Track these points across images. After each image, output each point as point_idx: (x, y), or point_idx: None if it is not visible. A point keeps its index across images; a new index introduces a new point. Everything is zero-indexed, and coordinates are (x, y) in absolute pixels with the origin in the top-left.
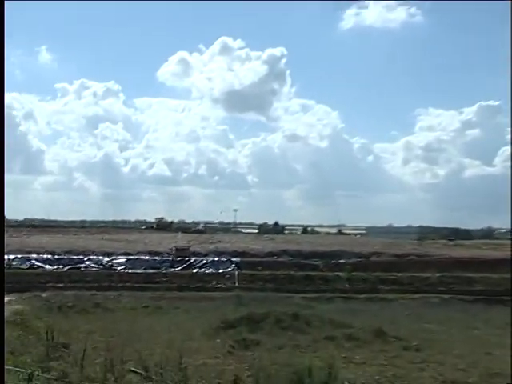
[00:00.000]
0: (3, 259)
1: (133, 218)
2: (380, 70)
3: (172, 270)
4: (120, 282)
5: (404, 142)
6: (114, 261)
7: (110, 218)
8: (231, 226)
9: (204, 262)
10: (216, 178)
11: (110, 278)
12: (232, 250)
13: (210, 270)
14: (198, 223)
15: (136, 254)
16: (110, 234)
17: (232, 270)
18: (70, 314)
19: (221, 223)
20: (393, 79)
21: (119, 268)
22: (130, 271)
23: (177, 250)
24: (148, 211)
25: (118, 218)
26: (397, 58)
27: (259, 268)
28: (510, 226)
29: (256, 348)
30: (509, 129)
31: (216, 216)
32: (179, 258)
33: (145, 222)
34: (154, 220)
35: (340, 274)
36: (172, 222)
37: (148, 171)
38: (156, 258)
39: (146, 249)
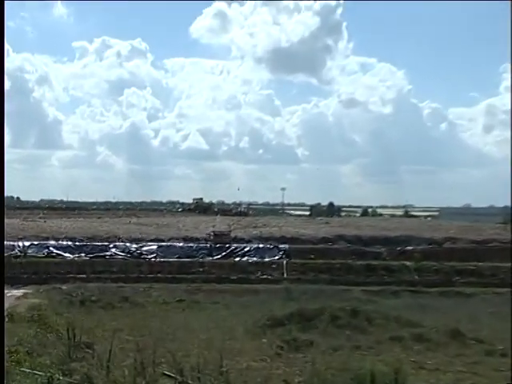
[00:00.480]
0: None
1: (164, 199)
2: (455, 18)
3: (210, 258)
4: (150, 273)
5: (485, 106)
6: (143, 248)
7: (138, 199)
8: (278, 207)
9: (247, 249)
10: (260, 151)
11: (139, 267)
12: (279, 236)
13: (254, 258)
14: (239, 204)
15: (168, 240)
16: (138, 217)
17: (279, 258)
18: (93, 310)
19: (266, 204)
20: (471, 29)
21: (149, 256)
22: (161, 260)
23: (215, 235)
24: (181, 191)
25: (148, 199)
26: (475, 3)
27: (311, 256)
28: None
29: (308, 349)
30: None
31: (261, 195)
32: (218, 245)
33: (180, 204)
34: (190, 201)
35: (407, 263)
36: (212, 204)
37: (181, 144)
38: (191, 244)
39: (180, 234)
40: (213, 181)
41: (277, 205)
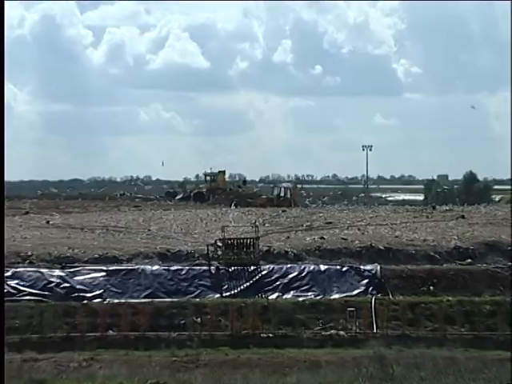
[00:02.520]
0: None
1: (118, 175)
2: None
3: (216, 296)
4: (92, 330)
5: None
6: (78, 278)
7: (66, 176)
8: (358, 186)
9: (293, 274)
10: (316, 69)
11: (69, 319)
12: (362, 246)
13: (309, 294)
14: (275, 185)
15: (129, 260)
16: (64, 212)
17: (363, 293)
18: None
19: (332, 180)
20: None
21: (90, 295)
22: (115, 302)
23: (228, 246)
24: (154, 156)
25: (84, 176)
26: None
27: (430, 288)
28: None
29: None
30: None
31: (321, 165)
32: (234, 268)
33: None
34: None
35: None
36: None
37: (151, 58)
38: (178, 267)
39: (154, 246)
40: (219, 135)
41: (355, 181)
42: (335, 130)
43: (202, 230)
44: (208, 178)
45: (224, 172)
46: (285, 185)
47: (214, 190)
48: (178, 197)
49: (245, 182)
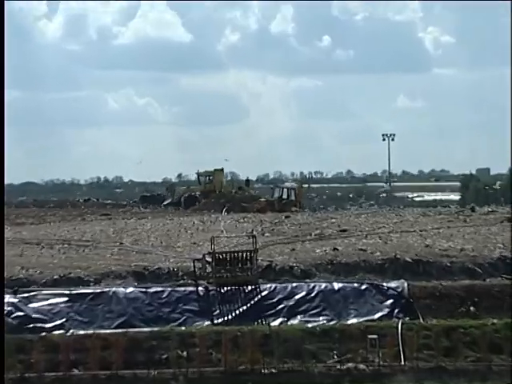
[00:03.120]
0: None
1: (81, 177)
2: None
3: (206, 324)
4: (51, 369)
5: None
6: (33, 305)
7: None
8: (379, 183)
9: (301, 295)
10: (324, 41)
11: (22, 356)
12: (385, 258)
13: (320, 319)
14: (277, 185)
15: (98, 280)
16: (16, 223)
17: (386, 316)
18: None
19: (347, 177)
20: None
21: (49, 325)
22: (80, 334)
23: (219, 261)
24: (124, 152)
25: (38, 178)
26: None
27: (470, 309)
28: None
29: None
30: None
31: (332, 160)
32: (227, 289)
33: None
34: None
35: None
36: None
37: (119, 32)
38: (159, 289)
39: (127, 264)
40: (206, 124)
41: (374, 179)
42: (349, 116)
43: (187, 243)
44: (202, 178)
45: (222, 171)
46: (288, 185)
47: (210, 193)
48: (165, 202)
49: (248, 182)
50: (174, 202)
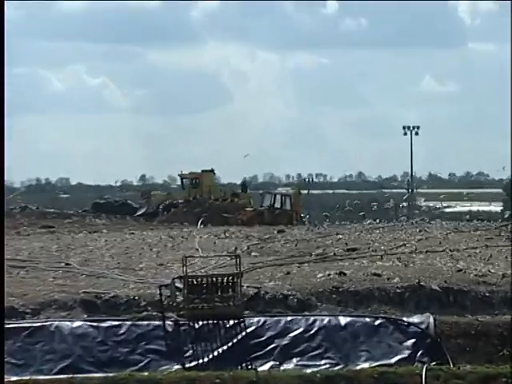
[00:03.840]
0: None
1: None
2: None
3: (173, 366)
4: None
5: None
6: None
7: None
8: (400, 189)
9: (297, 332)
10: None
11: None
12: (405, 286)
13: (322, 363)
14: (275, 187)
15: (32, 311)
16: None
17: (407, 359)
18: None
19: (357, 182)
20: None
21: None
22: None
23: (190, 286)
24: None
25: None
26: None
27: (508, 350)
28: None
29: None
30: None
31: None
32: (202, 323)
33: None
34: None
35: None
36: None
37: None
38: (115, 323)
39: (71, 289)
40: (178, 112)
41: (392, 184)
42: (361, 102)
43: (152, 264)
44: (187, 181)
45: (211, 172)
46: (282, 190)
47: (196, 201)
48: (139, 212)
49: (245, 186)
50: (151, 212)
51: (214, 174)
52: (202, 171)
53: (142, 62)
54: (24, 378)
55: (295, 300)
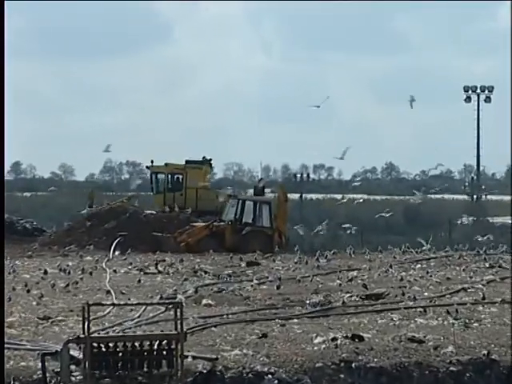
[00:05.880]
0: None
1: None
2: None
3: None
4: None
5: None
6: None
7: None
8: (473, 206)
9: None
10: None
11: None
12: (463, 362)
13: None
14: (245, 187)
15: None
16: None
17: None
18: None
19: (399, 177)
20: None
21: None
22: None
23: (96, 355)
24: None
25: None
26: None
27: None
28: None
29: None
30: None
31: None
32: None
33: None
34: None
35: None
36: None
37: None
38: None
39: None
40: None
41: (446, 185)
42: (391, 45)
43: (30, 316)
44: (161, 177)
45: (207, 164)
46: (255, 196)
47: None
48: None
49: (262, 186)
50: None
51: (211, 166)
52: (186, 162)
53: None
54: None
55: (276, 382)
